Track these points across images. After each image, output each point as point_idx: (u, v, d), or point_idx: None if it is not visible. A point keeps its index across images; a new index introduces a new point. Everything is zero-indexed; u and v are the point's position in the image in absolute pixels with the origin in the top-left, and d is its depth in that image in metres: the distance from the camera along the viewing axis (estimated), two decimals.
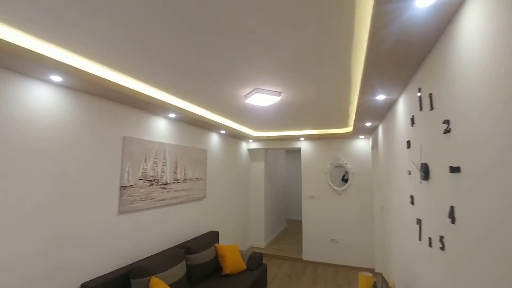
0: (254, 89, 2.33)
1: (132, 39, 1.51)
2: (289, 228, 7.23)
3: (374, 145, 4.25)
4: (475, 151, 0.89)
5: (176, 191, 3.13)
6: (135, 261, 2.52)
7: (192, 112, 3.01)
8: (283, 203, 7.23)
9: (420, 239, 1.54)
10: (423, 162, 1.44)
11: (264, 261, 4.77)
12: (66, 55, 1.69)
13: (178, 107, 2.78)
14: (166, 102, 2.61)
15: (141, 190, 2.62)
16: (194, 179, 3.49)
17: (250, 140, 5.26)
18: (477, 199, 0.87)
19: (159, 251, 2.83)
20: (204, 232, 3.64)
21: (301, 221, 7.80)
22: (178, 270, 2.58)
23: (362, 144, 4.65)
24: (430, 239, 1.35)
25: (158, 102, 2.51)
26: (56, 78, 1.82)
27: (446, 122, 1.13)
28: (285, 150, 7.81)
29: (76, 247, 2.05)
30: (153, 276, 2.26)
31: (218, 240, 3.69)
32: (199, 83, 2.24)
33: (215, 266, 3.18)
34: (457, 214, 1.04)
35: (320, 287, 3.76)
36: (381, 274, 4.11)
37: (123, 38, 1.50)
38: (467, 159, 0.95)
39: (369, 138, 4.56)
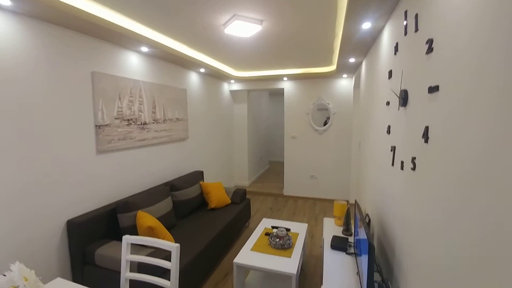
0: (233, 16, 2.12)
1: None
2: (271, 168, 7.57)
3: (356, 85, 4.23)
4: (455, 69, 0.87)
5: (157, 131, 3.06)
6: (120, 199, 2.58)
7: (167, 47, 2.76)
8: (266, 145, 7.41)
9: (392, 165, 1.64)
10: (402, 89, 1.44)
11: (248, 197, 5.07)
12: None
13: (152, 40, 2.52)
14: (138, 34, 2.35)
15: (119, 130, 2.54)
16: (175, 119, 3.41)
17: (232, 81, 5.06)
18: (451, 117, 0.89)
19: (145, 189, 2.89)
20: (189, 172, 3.72)
21: (283, 162, 8.13)
22: (165, 205, 2.68)
23: (345, 84, 4.61)
24: (402, 162, 1.43)
25: (129, 33, 2.26)
26: (4, 1, 1.54)
27: (429, 41, 1.09)
28: (268, 91, 7.67)
29: (57, 186, 2.03)
30: (139, 210, 2.35)
31: (203, 179, 3.80)
32: (173, 9, 1.99)
33: (201, 201, 3.34)
34: (430, 134, 1.08)
35: (299, 217, 4.12)
36: (354, 204, 4.52)
37: None
38: (446, 78, 0.94)
39: (352, 77, 4.51)
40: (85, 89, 2.22)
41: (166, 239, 2.14)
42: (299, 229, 2.70)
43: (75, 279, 2.13)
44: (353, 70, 3.98)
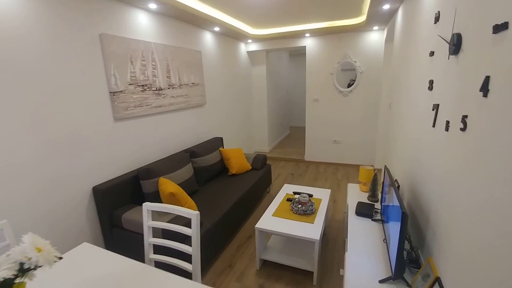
0: None
1: None
2: (292, 134, 7.40)
3: (389, 38, 3.77)
4: None
5: (173, 97, 2.96)
6: (141, 166, 2.59)
7: (177, 1, 2.53)
8: (286, 110, 7.16)
9: (434, 126, 1.43)
10: (455, 32, 1.17)
11: (269, 163, 5.03)
12: None
13: None
14: None
15: (134, 96, 2.46)
16: (191, 84, 3.27)
17: (249, 41, 4.74)
18: None
19: (165, 156, 2.89)
20: (208, 139, 3.68)
21: (304, 128, 7.92)
22: (185, 172, 2.68)
23: (375, 38, 4.14)
24: (447, 122, 1.22)
25: None
26: None
27: None
28: (288, 52, 7.19)
29: (79, 152, 2.04)
30: (161, 177, 2.35)
31: (222, 145, 3.76)
32: None
33: (222, 168, 3.32)
34: (492, 85, 0.86)
35: (320, 183, 4.04)
36: (380, 170, 4.33)
37: None
38: None
39: (383, 29, 4.02)
40: (95, 54, 2.12)
41: (188, 205, 2.14)
42: (321, 195, 2.62)
43: (106, 241, 2.24)
44: (386, 20, 3.51)
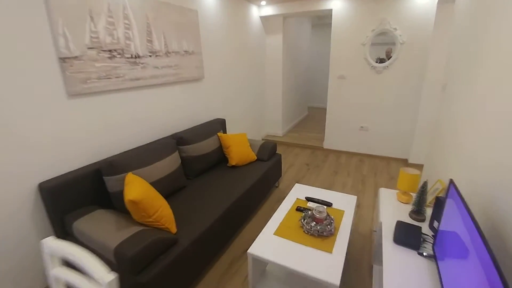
0: None
1: None
2: (310, 116, 6.61)
3: None
4: None
5: (157, 68, 2.32)
6: (109, 156, 2.03)
7: None
8: (304, 87, 6.33)
9: None
10: None
11: (281, 149, 4.37)
12: None
13: None
14: None
15: (97, 65, 1.85)
16: (183, 52, 2.60)
17: (263, 2, 3.91)
18: None
19: (143, 143, 2.30)
20: (206, 121, 3.05)
21: (324, 109, 7.08)
22: (169, 163, 2.09)
23: (423, 1, 3.19)
24: None
25: None
26: None
27: None
28: (311, 19, 6.21)
29: (19, 141, 1.50)
30: (130, 172, 1.78)
31: (224, 129, 3.13)
32: None
33: (219, 157, 2.72)
34: None
35: (341, 178, 3.35)
36: (421, 166, 3.56)
37: None
38: None
39: None
40: (34, 3, 1.50)
41: (158, 215, 1.57)
42: (344, 203, 1.96)
43: None
44: None
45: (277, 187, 3.11)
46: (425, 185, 1.67)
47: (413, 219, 1.71)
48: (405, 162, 3.74)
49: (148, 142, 2.32)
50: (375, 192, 2.96)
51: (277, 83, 4.61)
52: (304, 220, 1.63)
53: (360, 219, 2.47)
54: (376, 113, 3.81)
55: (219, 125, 2.90)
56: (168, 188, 2.07)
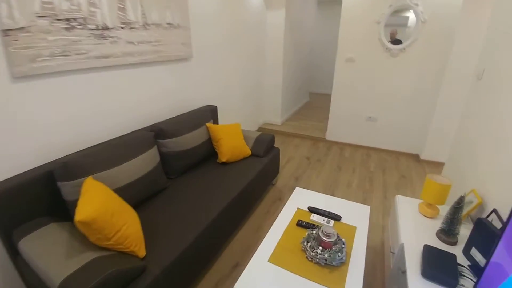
0: None
1: None
2: (312, 103, 6.19)
3: None
4: None
5: (131, 43, 1.89)
6: (69, 154, 1.64)
7: None
8: (307, 71, 5.87)
9: None
10: None
11: (279, 140, 4.00)
12: None
13: None
14: None
15: (50, 38, 1.43)
16: (166, 25, 2.16)
17: None
18: None
19: (111, 138, 1.89)
20: (194, 109, 2.64)
21: (328, 95, 6.64)
22: (143, 162, 1.72)
23: None
24: None
25: None
26: None
27: None
28: None
29: None
30: (89, 177, 1.41)
31: (216, 118, 2.74)
32: None
33: (208, 152, 2.35)
34: None
35: (346, 174, 3.01)
36: (434, 163, 3.22)
37: None
38: None
39: None
40: None
41: (123, 233, 1.22)
42: (355, 215, 1.61)
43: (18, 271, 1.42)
44: None
45: (273, 185, 2.77)
46: (461, 201, 1.33)
47: (443, 241, 1.38)
48: (416, 158, 3.40)
49: (120, 135, 1.92)
50: (384, 194, 2.64)
51: (278, 65, 4.16)
52: (307, 244, 1.29)
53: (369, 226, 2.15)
54: (387, 102, 3.41)
55: (209, 113, 2.50)
56: (143, 193, 1.71)
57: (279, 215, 1.61)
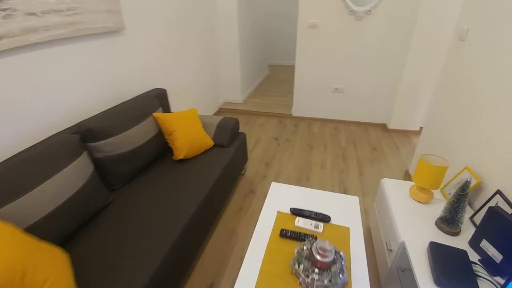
0: None
1: None
2: (272, 76, 5.83)
3: None
4: None
5: (34, 14, 1.30)
6: None
7: None
8: (264, 42, 5.42)
9: None
10: None
11: (243, 121, 3.64)
12: None
13: None
14: None
15: None
16: None
17: None
18: None
19: (15, 152, 1.34)
20: (134, 96, 2.11)
21: (287, 67, 6.33)
22: (66, 181, 1.25)
23: None
24: None
25: None
26: None
27: None
28: None
29: None
30: None
31: (166, 105, 2.27)
32: None
33: (159, 149, 1.91)
34: None
35: (318, 154, 2.80)
36: (401, 132, 3.16)
37: None
38: None
39: None
40: None
41: None
42: (344, 212, 1.38)
43: None
44: None
45: (243, 174, 2.46)
46: (466, 187, 1.15)
47: (445, 232, 1.21)
48: (384, 128, 3.33)
49: (26, 148, 1.36)
50: (360, 170, 2.50)
51: (233, 37, 3.66)
52: (299, 266, 1.01)
53: None
54: (353, 70, 3.21)
55: (156, 100, 2.02)
56: (74, 221, 1.27)
57: (257, 224, 1.31)
